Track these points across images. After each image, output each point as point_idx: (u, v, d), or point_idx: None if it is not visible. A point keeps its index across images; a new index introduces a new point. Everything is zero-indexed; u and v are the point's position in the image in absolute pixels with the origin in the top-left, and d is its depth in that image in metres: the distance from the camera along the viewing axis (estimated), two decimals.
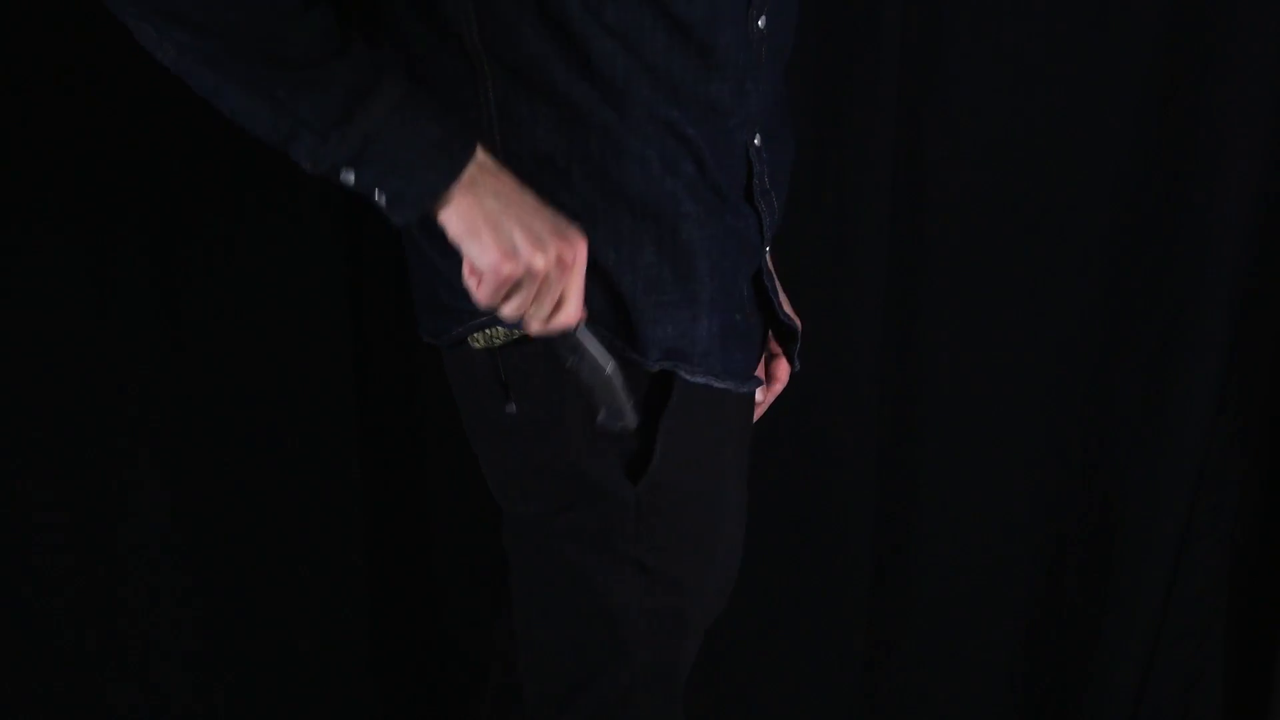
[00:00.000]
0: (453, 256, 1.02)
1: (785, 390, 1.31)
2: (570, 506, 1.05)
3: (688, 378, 1.02)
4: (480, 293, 0.91)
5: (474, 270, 0.91)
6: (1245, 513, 1.68)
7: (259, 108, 0.88)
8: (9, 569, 1.48)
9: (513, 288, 0.90)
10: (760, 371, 1.24)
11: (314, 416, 1.54)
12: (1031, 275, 1.60)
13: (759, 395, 1.25)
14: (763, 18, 1.00)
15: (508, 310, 0.91)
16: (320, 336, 1.51)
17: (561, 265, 0.90)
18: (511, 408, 1.03)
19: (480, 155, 0.90)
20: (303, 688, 1.64)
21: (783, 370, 1.27)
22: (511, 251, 0.89)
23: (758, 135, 1.06)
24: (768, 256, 1.26)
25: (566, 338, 0.95)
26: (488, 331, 1.01)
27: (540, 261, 0.89)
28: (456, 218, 0.90)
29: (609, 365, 0.95)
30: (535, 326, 0.93)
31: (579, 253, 0.92)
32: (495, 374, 1.03)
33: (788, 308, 1.27)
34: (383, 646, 1.66)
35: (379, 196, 0.90)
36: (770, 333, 1.20)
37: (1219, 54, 1.47)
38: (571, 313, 0.93)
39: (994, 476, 1.69)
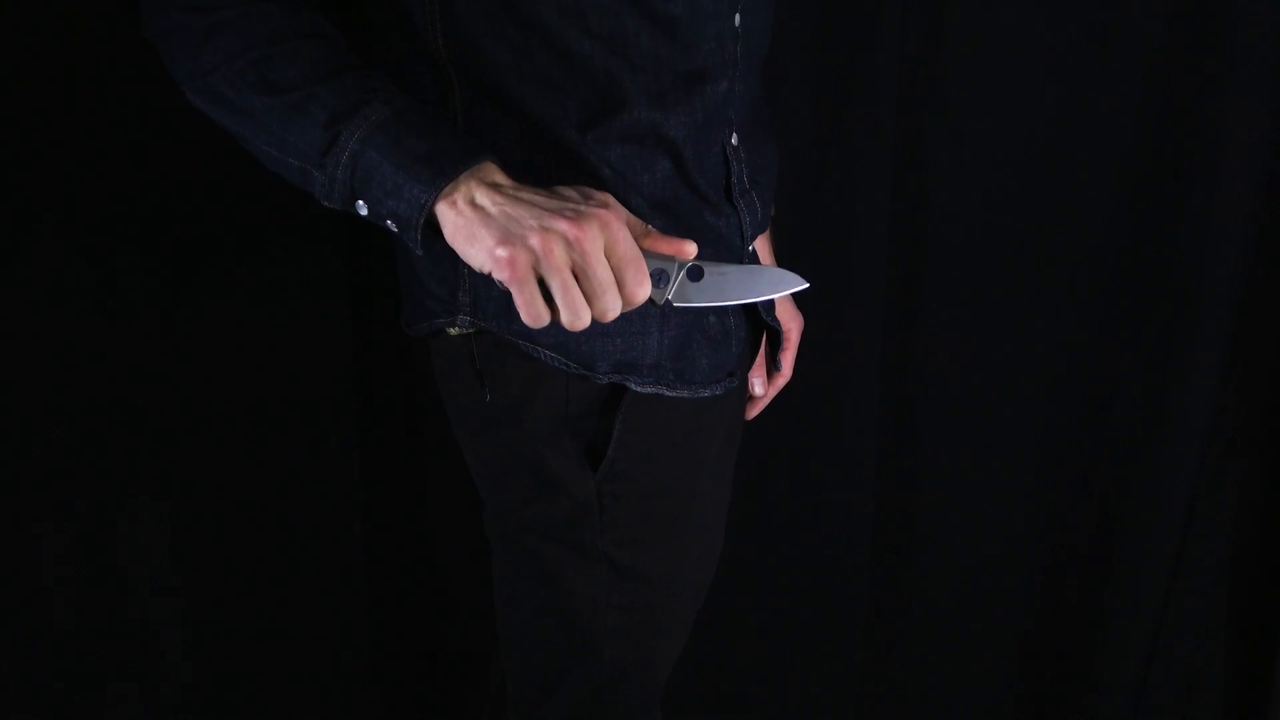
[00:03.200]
0: (432, 254, 1.03)
1: (786, 390, 1.32)
2: (535, 498, 1.06)
3: (637, 389, 1.03)
4: (517, 302, 0.84)
5: (496, 275, 0.84)
6: (1245, 513, 1.68)
7: (269, 147, 0.89)
8: (9, 570, 1.48)
9: (546, 289, 0.83)
10: (760, 372, 1.25)
11: (314, 416, 1.54)
12: (1031, 275, 1.60)
13: (759, 388, 1.26)
14: (737, 15, 1.01)
15: (562, 316, 0.84)
16: (320, 335, 1.52)
17: (579, 234, 0.82)
18: (488, 395, 1.04)
19: (483, 169, 0.86)
20: (303, 688, 1.64)
21: (786, 363, 1.28)
22: (506, 236, 0.83)
23: (735, 135, 1.06)
24: (759, 253, 1.27)
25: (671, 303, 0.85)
26: (460, 319, 1.03)
27: (536, 239, 0.82)
28: (450, 226, 0.86)
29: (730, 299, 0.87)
30: (607, 314, 0.84)
31: (600, 217, 0.83)
32: (471, 362, 1.05)
33: (783, 310, 1.27)
34: (383, 646, 1.66)
35: (390, 225, 0.88)
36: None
37: (1219, 54, 1.47)
38: (633, 287, 0.83)
39: (994, 477, 1.69)
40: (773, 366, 1.25)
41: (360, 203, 0.88)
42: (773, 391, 1.29)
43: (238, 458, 1.53)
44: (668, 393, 1.04)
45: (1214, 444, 1.63)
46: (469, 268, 1.02)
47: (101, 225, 1.41)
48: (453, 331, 1.05)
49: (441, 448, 1.55)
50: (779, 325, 1.19)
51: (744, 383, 1.19)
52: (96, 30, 1.33)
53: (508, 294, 1.01)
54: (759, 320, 1.15)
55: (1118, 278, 1.59)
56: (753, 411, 1.30)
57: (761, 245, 1.28)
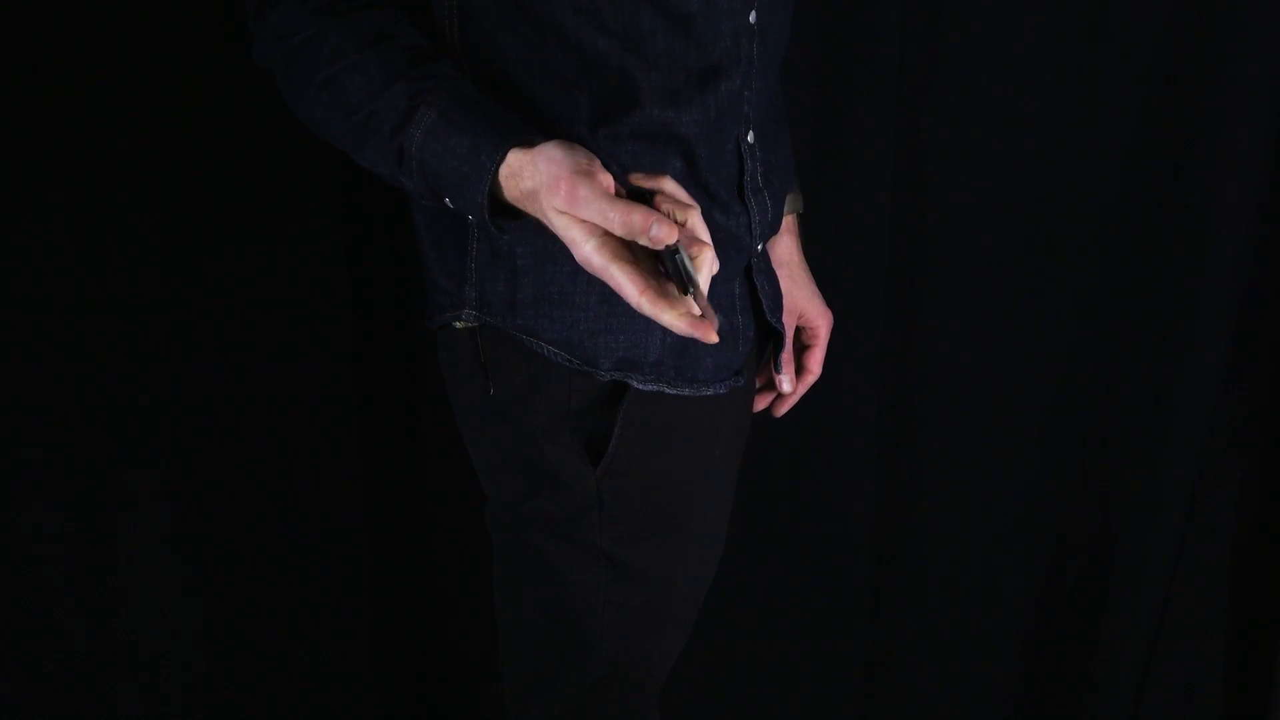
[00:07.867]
0: (441, 248, 1.03)
1: None
2: (536, 493, 1.07)
3: (639, 386, 1.03)
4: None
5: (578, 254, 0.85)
6: (1245, 513, 1.68)
7: (366, 163, 0.94)
8: (9, 569, 1.48)
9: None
10: (789, 369, 1.24)
11: (314, 414, 1.54)
12: (1031, 275, 1.60)
13: (787, 385, 1.25)
14: (753, 12, 1.01)
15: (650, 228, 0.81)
16: (320, 335, 1.52)
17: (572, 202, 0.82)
18: (491, 389, 1.05)
19: (513, 155, 0.86)
20: (303, 688, 1.64)
21: (815, 361, 1.27)
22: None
23: (751, 132, 1.06)
24: (781, 253, 1.26)
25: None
26: (465, 313, 1.04)
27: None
28: (530, 215, 0.87)
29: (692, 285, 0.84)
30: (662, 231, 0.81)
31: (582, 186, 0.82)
32: (476, 356, 1.05)
33: (811, 308, 1.26)
34: (383, 646, 1.66)
35: (473, 220, 0.90)
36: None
37: (1219, 54, 1.47)
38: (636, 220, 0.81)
39: (994, 476, 1.69)
40: (773, 367, 1.24)
41: (446, 199, 0.91)
42: (802, 389, 1.28)
43: (238, 457, 1.53)
44: (669, 390, 1.04)
45: (1214, 443, 1.63)
46: (476, 263, 1.02)
47: (102, 222, 1.41)
48: (458, 325, 1.05)
49: (442, 447, 1.55)
50: (782, 328, 1.19)
51: (751, 382, 1.19)
52: (97, 29, 1.33)
53: (512, 290, 1.01)
54: (761, 319, 1.15)
55: (1118, 277, 1.59)
56: (781, 409, 1.29)
57: (788, 244, 1.26)
